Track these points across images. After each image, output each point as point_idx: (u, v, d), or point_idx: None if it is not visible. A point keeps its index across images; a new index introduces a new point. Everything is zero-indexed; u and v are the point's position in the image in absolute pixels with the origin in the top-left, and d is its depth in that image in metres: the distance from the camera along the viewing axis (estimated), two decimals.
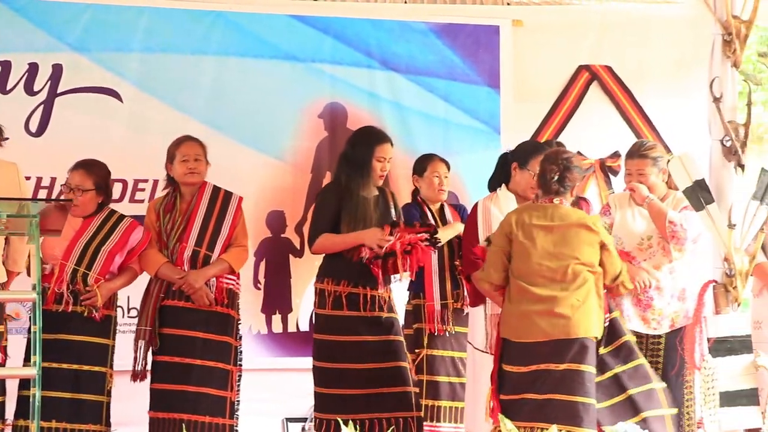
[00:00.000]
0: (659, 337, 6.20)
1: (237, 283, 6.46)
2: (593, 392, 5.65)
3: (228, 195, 6.49)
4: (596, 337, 5.71)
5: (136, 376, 6.35)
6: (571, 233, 5.73)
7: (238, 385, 6.37)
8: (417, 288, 6.89)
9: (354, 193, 6.25)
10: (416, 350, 6.75)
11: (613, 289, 5.85)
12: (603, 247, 5.75)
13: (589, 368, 5.64)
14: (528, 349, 5.70)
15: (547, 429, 5.34)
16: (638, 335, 6.24)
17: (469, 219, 6.37)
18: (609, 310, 5.93)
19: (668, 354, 6.16)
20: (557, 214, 5.76)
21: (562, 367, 5.61)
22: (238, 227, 6.46)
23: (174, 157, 6.42)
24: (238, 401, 6.37)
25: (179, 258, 6.32)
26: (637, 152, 6.34)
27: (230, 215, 6.42)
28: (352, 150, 6.35)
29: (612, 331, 5.95)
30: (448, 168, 7.03)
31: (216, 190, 6.48)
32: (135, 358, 6.33)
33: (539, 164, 5.91)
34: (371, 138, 6.40)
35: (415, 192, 7.05)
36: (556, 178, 5.76)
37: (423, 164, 7.03)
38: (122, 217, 6.36)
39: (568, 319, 5.63)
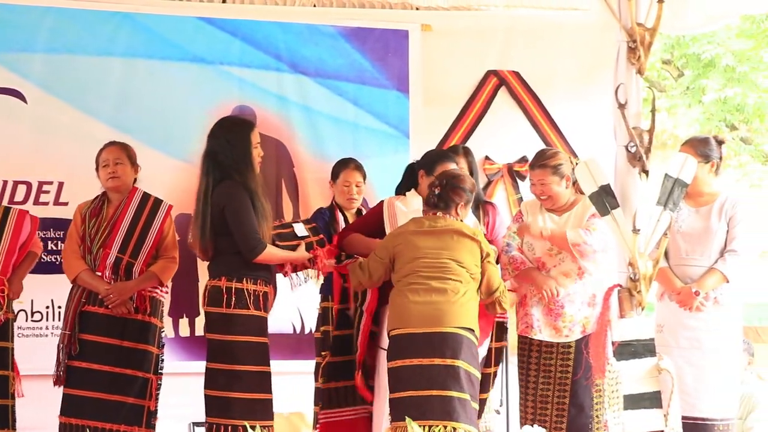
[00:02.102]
0: (569, 342, 6.26)
1: (162, 292, 6.40)
2: (469, 390, 5.66)
3: (157, 203, 6.39)
4: (472, 330, 5.73)
5: (58, 380, 6.24)
6: (452, 238, 5.79)
7: (158, 394, 6.30)
8: (326, 291, 6.88)
9: (254, 192, 6.18)
10: (323, 353, 6.73)
11: (488, 306, 5.90)
12: (485, 257, 5.81)
13: (464, 364, 5.65)
14: (405, 340, 5.70)
15: (433, 426, 5.39)
16: (549, 342, 6.29)
17: (369, 213, 6.38)
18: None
19: (577, 358, 6.22)
20: (439, 223, 5.83)
21: (437, 361, 5.63)
22: (168, 237, 6.39)
23: (98, 164, 6.37)
24: (157, 410, 6.32)
25: (102, 264, 6.23)
26: (538, 162, 6.37)
27: (157, 223, 6.34)
28: (232, 146, 6.18)
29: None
30: (364, 176, 7.02)
31: (146, 197, 6.38)
32: (57, 362, 6.24)
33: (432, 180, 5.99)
34: (244, 127, 6.27)
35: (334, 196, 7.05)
36: (437, 192, 5.86)
37: (337, 170, 7.02)
38: (8, 209, 6.27)
39: (443, 312, 5.67)
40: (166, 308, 7.32)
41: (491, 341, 6.15)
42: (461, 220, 5.91)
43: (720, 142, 6.37)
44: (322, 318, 6.88)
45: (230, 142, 6.16)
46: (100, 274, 6.24)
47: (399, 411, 5.62)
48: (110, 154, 6.36)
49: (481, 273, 5.81)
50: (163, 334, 6.44)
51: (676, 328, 6.24)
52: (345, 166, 7.02)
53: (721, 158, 6.35)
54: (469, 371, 5.69)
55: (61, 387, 6.25)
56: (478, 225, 6.27)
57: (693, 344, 6.20)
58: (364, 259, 6.03)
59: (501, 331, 6.23)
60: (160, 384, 6.34)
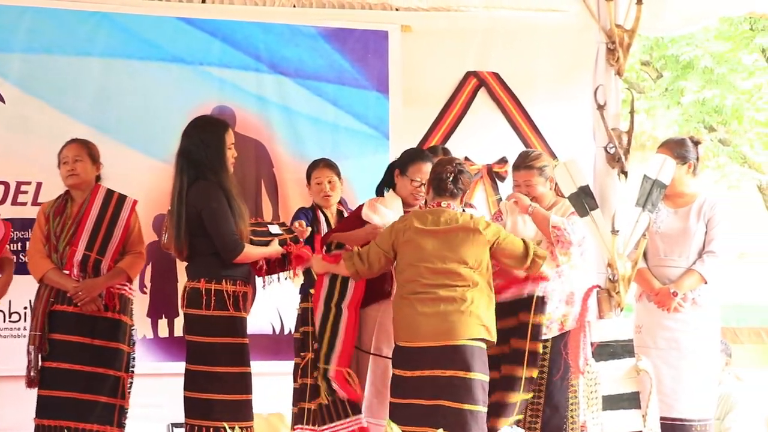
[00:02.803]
0: (545, 341, 6.27)
1: (130, 289, 6.38)
2: (482, 399, 5.69)
3: (122, 198, 6.39)
4: (486, 340, 5.75)
5: (30, 382, 6.22)
6: (458, 237, 5.77)
7: (129, 392, 6.29)
8: (306, 291, 6.87)
9: (229, 192, 6.17)
10: (302, 354, 6.72)
11: (532, 268, 5.88)
12: (494, 243, 5.80)
13: (478, 375, 5.67)
14: (415, 353, 5.72)
15: None
16: None
17: (350, 216, 6.38)
18: None
19: (554, 358, 6.23)
20: (443, 219, 5.80)
21: (449, 373, 5.64)
22: (134, 233, 6.38)
23: (59, 161, 6.35)
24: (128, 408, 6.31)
25: (69, 262, 6.22)
26: (523, 163, 6.42)
27: (123, 219, 6.33)
28: (206, 146, 6.16)
29: None
30: (338, 173, 7.02)
31: (109, 193, 6.38)
32: (29, 364, 6.21)
33: (433, 168, 5.96)
34: (218, 127, 6.27)
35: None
36: (451, 179, 5.82)
37: (309, 172, 7.02)
38: None
39: (453, 324, 5.67)
40: (144, 308, 7.35)
41: (528, 342, 6.11)
42: (464, 209, 5.91)
43: (696, 143, 6.40)
44: (302, 318, 6.87)
45: (204, 141, 6.15)
46: (67, 272, 6.22)
47: (403, 416, 5.57)
48: (70, 151, 6.35)
49: (497, 255, 5.81)
50: (133, 332, 6.41)
51: (654, 329, 6.26)
52: (315, 166, 7.03)
53: (698, 159, 6.37)
54: (483, 381, 5.70)
55: (36, 389, 6.23)
56: None
57: (671, 345, 6.22)
58: (361, 248, 5.99)
59: (539, 306, 6.13)
60: (132, 382, 6.32)
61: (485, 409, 5.73)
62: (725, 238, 6.27)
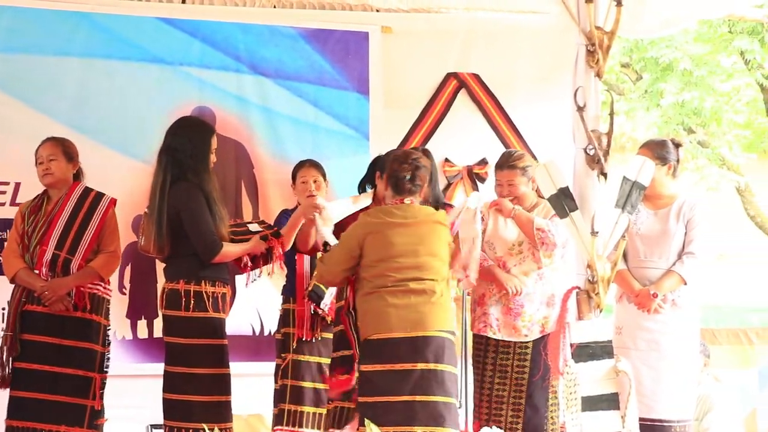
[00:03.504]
0: (526, 343, 6.29)
1: (104, 289, 6.34)
2: (454, 391, 5.67)
3: (98, 197, 6.34)
4: (453, 332, 5.74)
5: (2, 382, 6.19)
6: (426, 230, 5.76)
7: (102, 393, 6.24)
8: (288, 292, 6.87)
9: (209, 195, 6.16)
10: (283, 355, 6.72)
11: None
12: (451, 240, 5.83)
13: (448, 367, 5.65)
14: (386, 345, 5.67)
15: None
16: (505, 342, 6.32)
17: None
18: None
19: (534, 359, 6.25)
20: (410, 213, 5.78)
21: (420, 366, 5.61)
22: (107, 231, 6.32)
23: (36, 161, 6.33)
24: (102, 409, 6.27)
25: (39, 261, 6.19)
26: (506, 163, 6.44)
27: (97, 218, 6.28)
28: (192, 146, 6.16)
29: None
30: (324, 174, 7.01)
31: (86, 192, 6.34)
32: (0, 364, 6.18)
33: (390, 165, 5.93)
34: (206, 130, 6.29)
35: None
36: (408, 177, 5.80)
37: (294, 172, 7.01)
38: None
39: (424, 315, 5.65)
40: (124, 309, 7.32)
41: None
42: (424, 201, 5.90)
43: (677, 145, 6.42)
44: (283, 319, 6.87)
45: (191, 141, 6.15)
46: (38, 272, 6.19)
47: (375, 415, 5.48)
48: (44, 150, 6.33)
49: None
50: (109, 332, 6.36)
51: (634, 330, 6.27)
52: (301, 165, 7.01)
53: (678, 161, 6.39)
54: (454, 373, 5.70)
55: (8, 389, 6.19)
56: None
57: (651, 346, 6.23)
58: (324, 253, 6.00)
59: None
60: (105, 383, 6.27)
61: (457, 402, 5.72)
62: (705, 239, 6.29)
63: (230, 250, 6.14)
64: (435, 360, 5.62)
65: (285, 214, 6.88)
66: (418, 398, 5.60)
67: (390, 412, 5.56)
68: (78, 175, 6.42)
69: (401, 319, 5.65)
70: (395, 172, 5.84)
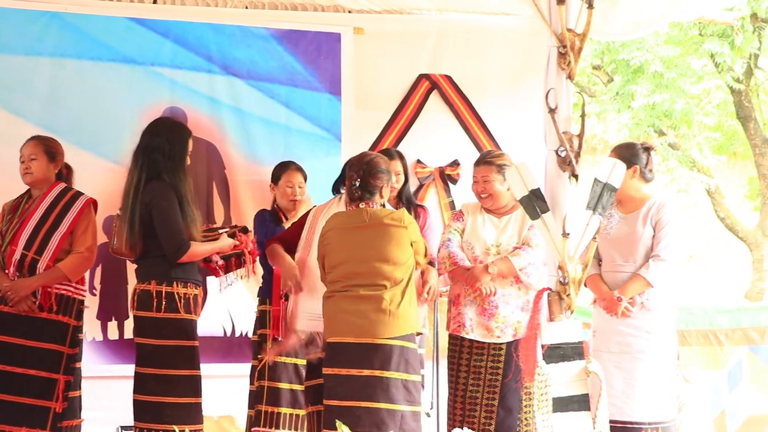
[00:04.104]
0: (500, 344, 6.29)
1: (75, 289, 6.29)
2: (404, 398, 5.65)
3: (75, 196, 6.30)
4: (406, 336, 5.69)
5: None
6: (381, 233, 5.74)
7: (66, 395, 6.19)
8: (264, 294, 6.85)
9: (183, 196, 6.14)
10: (259, 356, 6.71)
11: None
12: (414, 241, 5.78)
13: (395, 374, 5.63)
14: (340, 349, 5.68)
15: None
16: (480, 344, 6.32)
17: (297, 223, 6.36)
18: None
19: (507, 360, 6.26)
20: (365, 217, 5.76)
21: (366, 373, 5.61)
22: (79, 231, 6.27)
23: (20, 161, 6.31)
24: (73, 410, 6.23)
25: (8, 261, 6.16)
26: (483, 159, 6.47)
27: (70, 217, 6.24)
28: (171, 146, 6.16)
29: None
30: (305, 177, 7.00)
31: (65, 191, 6.31)
32: None
33: (343, 171, 5.93)
34: (184, 131, 6.29)
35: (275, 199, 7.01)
36: (357, 185, 5.79)
37: (278, 173, 6.99)
38: None
39: (372, 322, 5.64)
40: (94, 310, 7.29)
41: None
42: (384, 203, 5.87)
43: (647, 149, 6.42)
44: (260, 321, 6.85)
45: (170, 141, 6.15)
46: (7, 271, 6.16)
47: (330, 418, 5.59)
48: (26, 149, 6.32)
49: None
50: (79, 334, 6.31)
51: (608, 333, 6.28)
52: (286, 167, 7.00)
53: (647, 164, 6.40)
54: (405, 379, 5.67)
55: None
56: None
57: (623, 349, 6.24)
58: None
59: None
60: (71, 383, 6.22)
61: (411, 408, 5.68)
62: (674, 239, 6.29)
63: (198, 249, 6.12)
64: (381, 367, 5.61)
65: (263, 216, 6.86)
66: (363, 404, 5.60)
67: (340, 415, 5.54)
68: (61, 175, 6.38)
69: (350, 325, 5.66)
70: (347, 179, 5.85)
